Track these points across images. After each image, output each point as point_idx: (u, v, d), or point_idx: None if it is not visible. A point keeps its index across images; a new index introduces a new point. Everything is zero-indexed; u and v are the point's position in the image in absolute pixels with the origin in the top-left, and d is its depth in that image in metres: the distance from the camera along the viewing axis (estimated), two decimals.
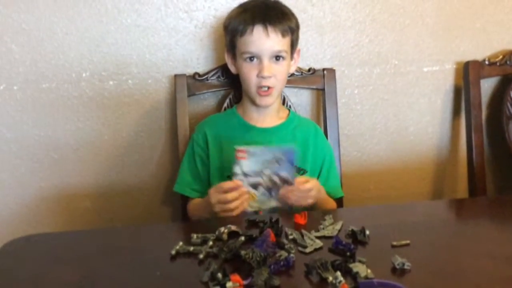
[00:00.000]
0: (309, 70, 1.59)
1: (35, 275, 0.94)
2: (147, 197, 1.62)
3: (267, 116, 1.43)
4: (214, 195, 1.21)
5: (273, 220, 1.08)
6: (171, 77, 1.55)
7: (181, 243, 1.00)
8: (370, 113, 1.72)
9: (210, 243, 1.00)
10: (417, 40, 1.70)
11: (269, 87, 1.35)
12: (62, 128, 1.53)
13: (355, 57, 1.67)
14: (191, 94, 1.52)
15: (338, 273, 0.86)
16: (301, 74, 1.59)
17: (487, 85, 1.78)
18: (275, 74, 1.35)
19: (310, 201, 1.26)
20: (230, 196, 1.18)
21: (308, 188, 1.25)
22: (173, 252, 0.98)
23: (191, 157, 1.42)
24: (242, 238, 1.00)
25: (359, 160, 1.74)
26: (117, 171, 1.59)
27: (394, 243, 1.01)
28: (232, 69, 1.44)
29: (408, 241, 1.01)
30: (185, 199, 1.45)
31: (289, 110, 1.50)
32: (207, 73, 1.53)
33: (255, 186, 1.21)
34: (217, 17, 1.56)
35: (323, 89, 1.59)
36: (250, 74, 1.35)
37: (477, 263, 0.96)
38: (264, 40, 1.33)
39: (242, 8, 1.39)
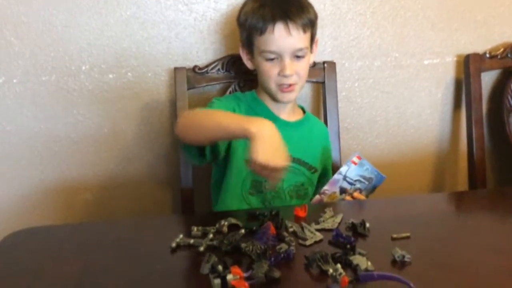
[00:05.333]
0: None
1: (36, 267, 0.94)
2: (147, 190, 1.62)
3: (286, 110, 1.39)
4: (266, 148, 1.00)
5: (273, 213, 1.08)
6: (170, 70, 1.54)
7: (181, 235, 1.00)
8: (371, 106, 1.72)
9: (211, 235, 1.00)
10: (418, 33, 1.69)
11: (290, 84, 1.31)
12: (62, 121, 1.53)
13: (355, 50, 1.67)
14: (191, 87, 1.52)
15: (338, 266, 0.86)
16: None
17: (488, 78, 1.77)
18: (297, 71, 1.29)
19: None
20: (277, 167, 1.00)
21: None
22: (173, 244, 0.98)
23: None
24: (242, 230, 1.01)
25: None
26: (117, 164, 1.59)
27: (394, 235, 1.01)
28: (249, 65, 1.38)
29: (408, 234, 1.02)
30: (185, 192, 1.46)
31: (302, 108, 1.47)
32: (207, 66, 1.53)
33: (342, 189, 1.28)
34: (217, 9, 1.55)
35: (323, 82, 1.59)
36: (270, 72, 1.30)
37: (478, 255, 0.96)
38: (285, 39, 1.26)
39: (258, 2, 1.31)
